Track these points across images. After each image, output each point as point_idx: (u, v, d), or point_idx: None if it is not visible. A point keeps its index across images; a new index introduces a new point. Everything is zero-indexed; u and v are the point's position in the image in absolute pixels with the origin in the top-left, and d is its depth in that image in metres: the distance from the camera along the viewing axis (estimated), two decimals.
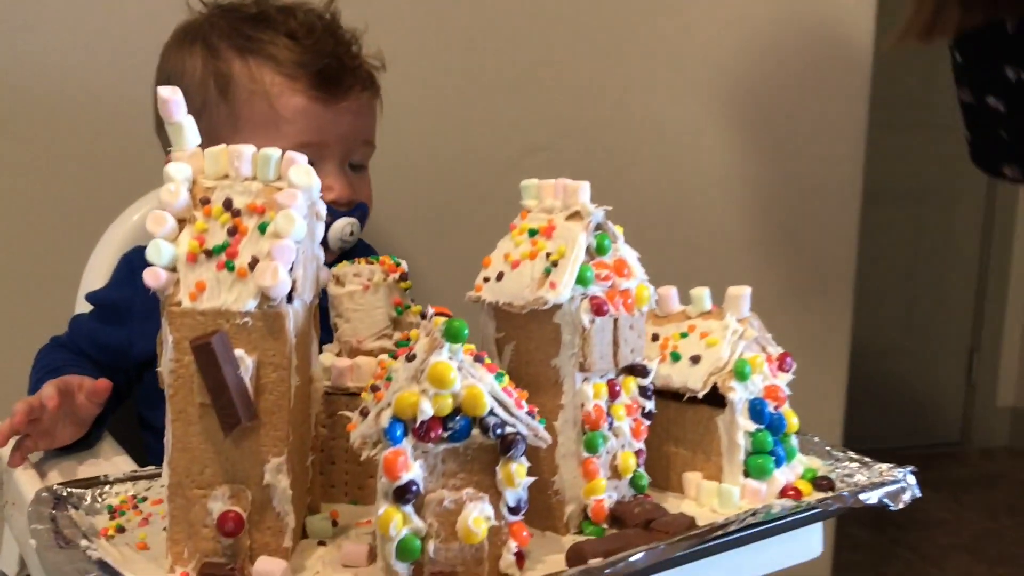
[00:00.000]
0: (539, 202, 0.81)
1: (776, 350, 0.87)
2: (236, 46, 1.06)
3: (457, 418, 0.66)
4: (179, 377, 0.68)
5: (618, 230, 0.80)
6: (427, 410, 0.65)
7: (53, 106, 1.33)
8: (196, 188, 0.71)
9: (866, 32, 1.75)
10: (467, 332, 0.68)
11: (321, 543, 0.75)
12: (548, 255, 0.76)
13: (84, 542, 0.70)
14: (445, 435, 0.66)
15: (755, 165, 1.74)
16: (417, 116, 1.53)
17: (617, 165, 1.66)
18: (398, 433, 0.65)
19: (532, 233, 0.79)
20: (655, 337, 0.88)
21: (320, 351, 0.83)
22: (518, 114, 1.59)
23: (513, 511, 0.68)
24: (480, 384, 0.67)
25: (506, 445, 0.67)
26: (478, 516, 0.66)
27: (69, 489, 0.81)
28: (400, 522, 0.65)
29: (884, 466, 0.86)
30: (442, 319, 0.69)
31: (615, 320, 0.77)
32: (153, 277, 0.67)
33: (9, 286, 1.34)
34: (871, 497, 0.80)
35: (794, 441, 0.86)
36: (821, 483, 0.84)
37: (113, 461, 0.93)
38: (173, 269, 0.69)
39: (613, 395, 0.78)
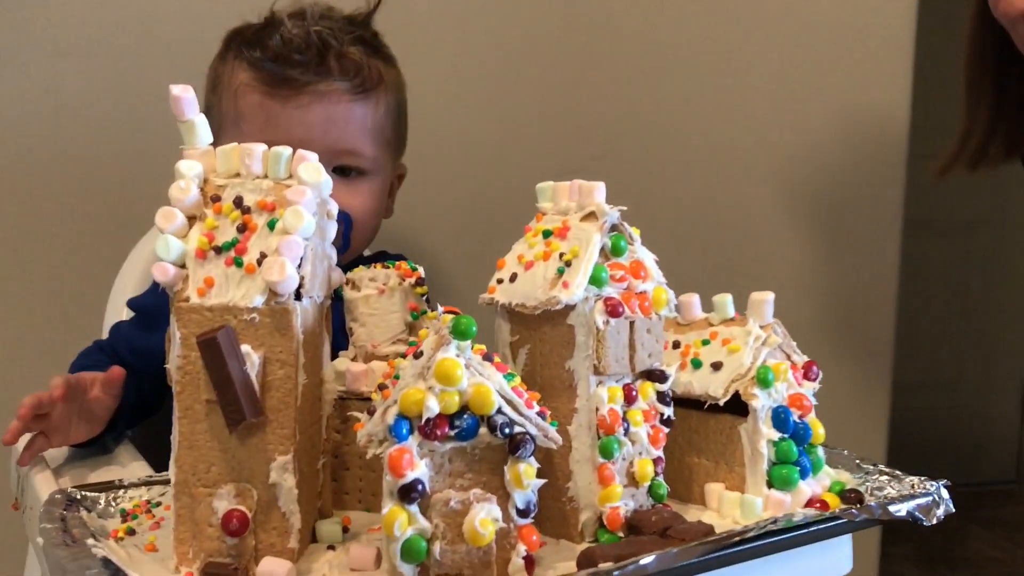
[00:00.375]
0: (554, 204, 0.80)
1: (801, 358, 0.84)
2: (235, 49, 1.07)
3: (464, 416, 0.65)
4: (186, 374, 0.67)
5: (635, 232, 0.78)
6: (433, 407, 0.64)
7: (87, 122, 1.35)
8: (208, 186, 0.71)
9: (905, 52, 1.72)
10: (475, 329, 0.66)
11: (330, 547, 0.73)
12: (561, 255, 0.75)
13: (91, 540, 0.69)
14: (452, 433, 0.65)
15: (795, 192, 1.72)
16: (470, 124, 1.53)
17: (661, 180, 1.64)
18: (404, 431, 0.64)
19: (546, 235, 0.78)
20: (676, 344, 0.86)
21: (335, 356, 0.83)
22: (571, 128, 1.59)
23: (522, 513, 0.67)
24: (488, 382, 0.65)
25: (514, 445, 0.65)
26: (485, 517, 0.64)
27: (83, 492, 0.81)
28: (405, 522, 0.64)
29: (916, 479, 0.83)
30: (451, 316, 0.68)
31: (631, 323, 0.76)
32: (161, 272, 0.67)
33: (41, 296, 1.36)
34: (900, 510, 0.77)
35: (820, 452, 0.83)
36: (849, 496, 0.81)
37: (130, 467, 0.93)
38: (183, 265, 0.69)
39: (629, 400, 0.76)
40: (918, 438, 2.76)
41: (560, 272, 0.74)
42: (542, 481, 0.68)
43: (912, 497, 0.79)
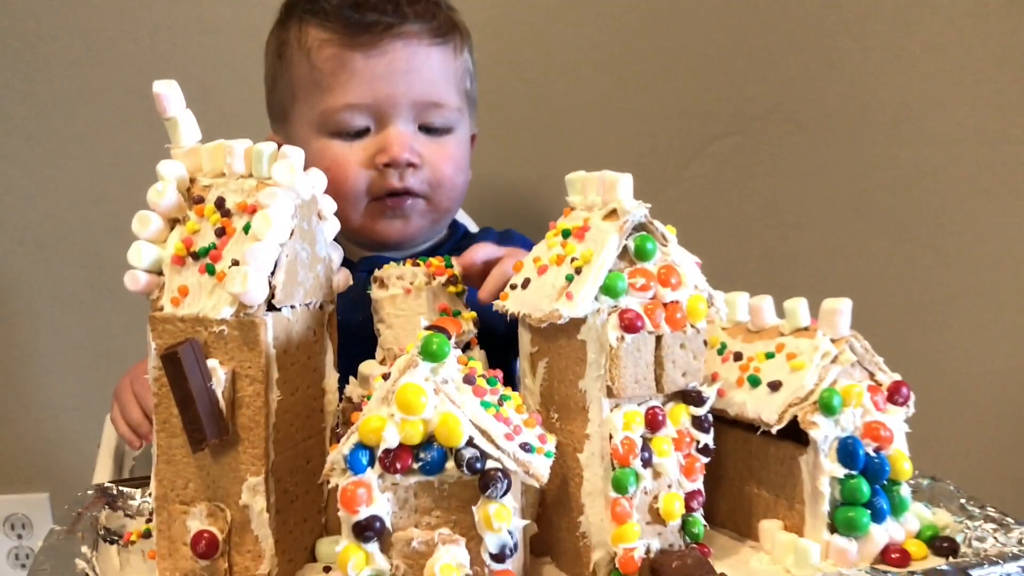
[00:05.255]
0: (583, 198, 0.70)
1: (888, 378, 0.70)
2: (299, 11, 1.00)
3: (430, 448, 0.58)
4: (163, 386, 0.64)
5: (670, 231, 0.67)
6: (392, 438, 0.57)
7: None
8: (195, 186, 0.67)
9: None
10: (448, 349, 0.59)
11: (327, 569, 0.69)
12: (573, 260, 0.66)
13: (84, 549, 0.68)
14: (416, 467, 0.58)
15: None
16: (592, 92, 1.42)
17: (827, 155, 1.44)
18: (363, 461, 0.58)
19: (565, 234, 0.68)
20: (738, 356, 0.75)
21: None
22: (707, 94, 1.44)
23: (497, 558, 0.59)
24: (457, 411, 0.58)
25: (485, 482, 0.58)
26: (448, 562, 0.57)
27: (121, 487, 0.81)
28: (362, 561, 0.58)
29: None
30: (428, 333, 0.60)
31: (658, 338, 0.65)
32: (132, 280, 0.65)
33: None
34: (991, 574, 0.63)
35: (905, 491, 0.69)
36: (940, 545, 0.68)
37: None
38: (161, 272, 0.66)
39: (654, 426, 0.66)
40: None
41: (569, 280, 0.65)
42: (523, 522, 0.60)
43: (1016, 558, 0.64)
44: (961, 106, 1.40)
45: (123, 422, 0.99)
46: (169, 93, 0.67)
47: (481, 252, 0.81)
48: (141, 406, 0.97)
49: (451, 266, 0.79)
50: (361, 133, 0.98)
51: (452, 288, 0.79)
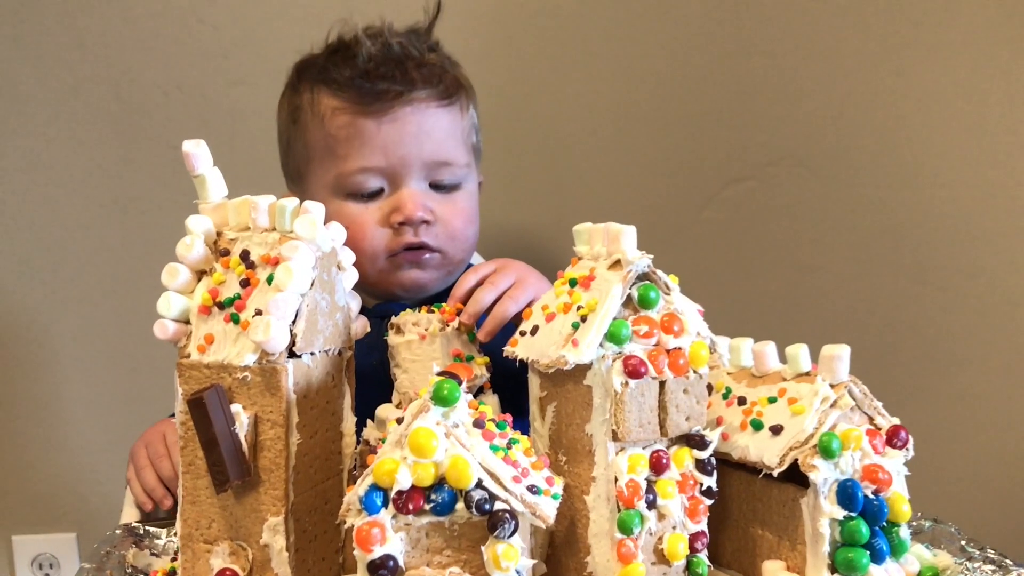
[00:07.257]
0: (589, 248, 0.73)
1: (887, 421, 0.73)
2: (311, 78, 1.05)
3: (441, 490, 0.61)
4: (188, 429, 0.68)
5: (672, 280, 0.70)
6: (404, 480, 0.60)
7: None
8: (221, 239, 0.71)
9: None
10: (458, 395, 0.62)
11: None
12: (579, 308, 0.69)
13: None
14: (427, 508, 0.61)
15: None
16: (612, 141, 1.46)
17: (839, 199, 1.47)
18: (377, 503, 0.61)
19: (572, 283, 0.71)
20: (742, 401, 0.77)
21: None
22: (721, 139, 1.48)
23: None
24: (466, 454, 0.61)
25: (493, 523, 0.60)
26: None
27: (147, 527, 0.84)
28: None
29: None
30: (439, 379, 0.63)
31: (662, 383, 0.68)
32: (160, 329, 0.68)
33: None
34: None
35: (904, 532, 0.71)
36: None
37: None
38: (188, 321, 0.69)
39: (659, 469, 0.68)
40: None
41: (575, 327, 0.68)
42: (531, 562, 0.63)
43: None
44: (975, 150, 1.42)
45: (138, 485, 1.02)
46: (198, 152, 0.70)
47: (465, 284, 0.86)
48: (156, 471, 1.01)
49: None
50: (375, 194, 1.01)
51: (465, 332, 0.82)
